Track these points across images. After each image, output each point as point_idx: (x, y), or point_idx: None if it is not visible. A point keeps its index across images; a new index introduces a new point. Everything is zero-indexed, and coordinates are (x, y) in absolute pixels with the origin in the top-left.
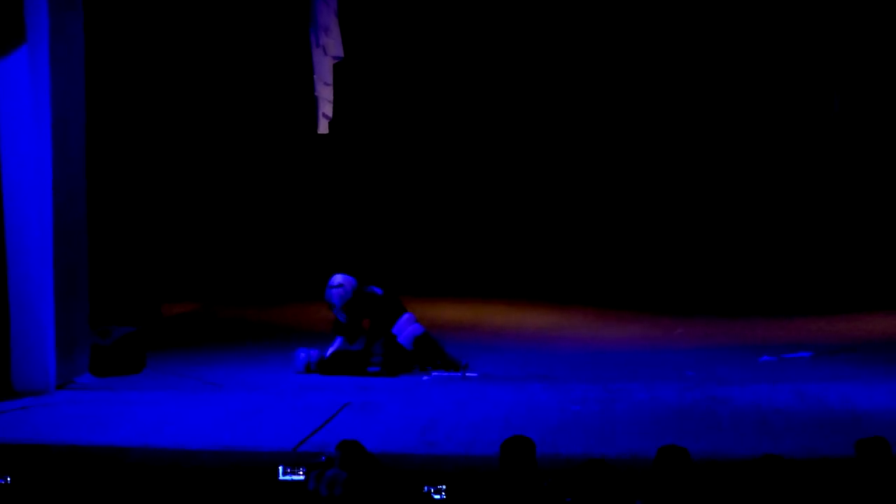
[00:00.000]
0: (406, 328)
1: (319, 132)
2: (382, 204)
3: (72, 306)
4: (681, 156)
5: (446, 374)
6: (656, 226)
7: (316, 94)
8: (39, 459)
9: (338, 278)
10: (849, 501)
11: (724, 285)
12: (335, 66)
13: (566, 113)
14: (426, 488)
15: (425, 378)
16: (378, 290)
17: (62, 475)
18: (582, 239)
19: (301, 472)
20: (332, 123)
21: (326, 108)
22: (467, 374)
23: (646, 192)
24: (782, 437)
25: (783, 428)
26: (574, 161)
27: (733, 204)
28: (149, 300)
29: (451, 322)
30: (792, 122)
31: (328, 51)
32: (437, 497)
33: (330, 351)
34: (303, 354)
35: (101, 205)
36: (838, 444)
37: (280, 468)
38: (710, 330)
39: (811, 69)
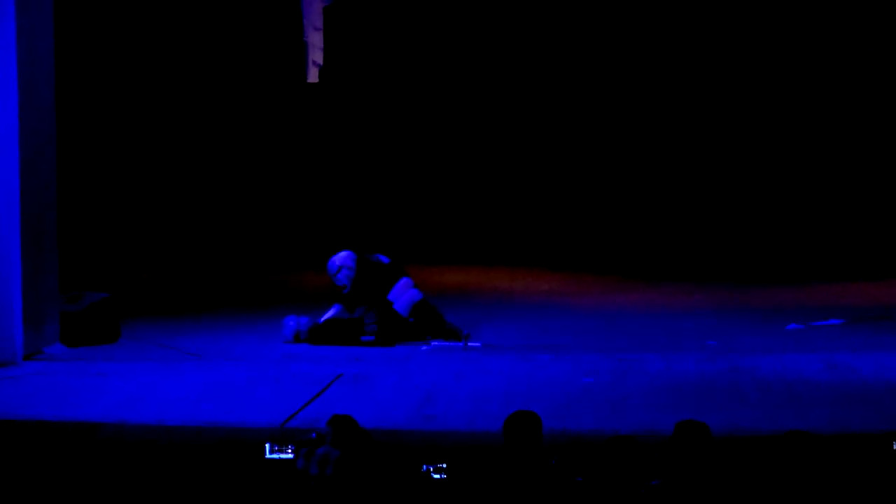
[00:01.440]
0: (403, 294)
1: (309, 81)
2: (384, 168)
3: (40, 269)
4: (696, 118)
5: (446, 343)
6: (672, 190)
7: (305, 39)
8: (5, 435)
9: (336, 261)
10: (882, 480)
11: (743, 251)
12: (326, 13)
13: (579, 75)
14: (425, 467)
15: (424, 348)
16: (384, 259)
17: (30, 452)
18: (592, 202)
19: (289, 450)
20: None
21: (317, 55)
22: (469, 344)
23: (662, 154)
24: (810, 411)
25: (812, 401)
26: (586, 121)
27: (752, 168)
28: (125, 264)
29: (453, 288)
30: (812, 78)
31: None
32: (436, 476)
33: (323, 318)
34: (292, 322)
35: (74, 161)
36: (871, 419)
37: (267, 446)
38: (730, 297)
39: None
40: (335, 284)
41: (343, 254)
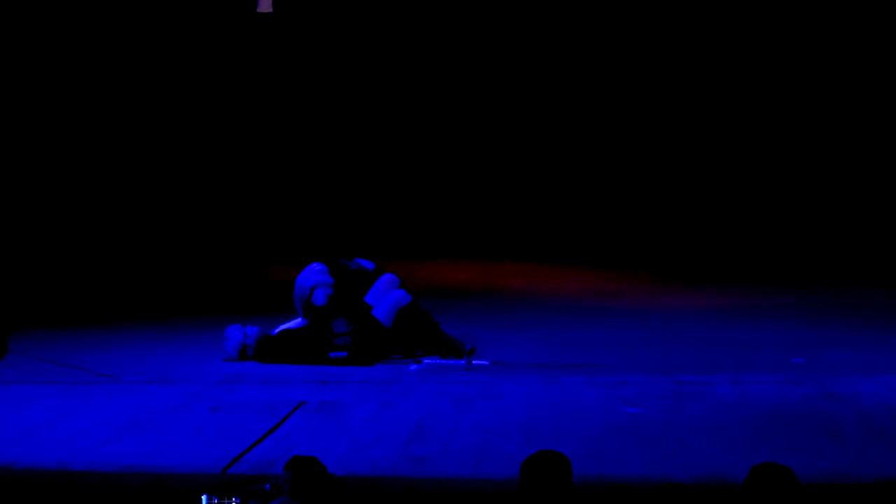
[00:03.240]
0: (385, 296)
1: (260, 10)
2: (373, 152)
3: None
4: (749, 107)
5: (443, 361)
6: (721, 172)
7: None
8: None
9: (307, 281)
10: None
11: (826, 247)
12: None
13: (590, 63)
14: None
15: (413, 367)
16: (368, 264)
17: None
18: (629, 188)
19: None
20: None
21: None
22: (474, 362)
23: (712, 137)
24: None
25: None
26: (620, 104)
27: (832, 157)
28: (11, 263)
29: (454, 288)
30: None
31: None
32: None
33: (279, 329)
34: (237, 333)
35: None
36: None
37: (204, 498)
38: (819, 300)
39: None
40: (311, 307)
41: (314, 268)
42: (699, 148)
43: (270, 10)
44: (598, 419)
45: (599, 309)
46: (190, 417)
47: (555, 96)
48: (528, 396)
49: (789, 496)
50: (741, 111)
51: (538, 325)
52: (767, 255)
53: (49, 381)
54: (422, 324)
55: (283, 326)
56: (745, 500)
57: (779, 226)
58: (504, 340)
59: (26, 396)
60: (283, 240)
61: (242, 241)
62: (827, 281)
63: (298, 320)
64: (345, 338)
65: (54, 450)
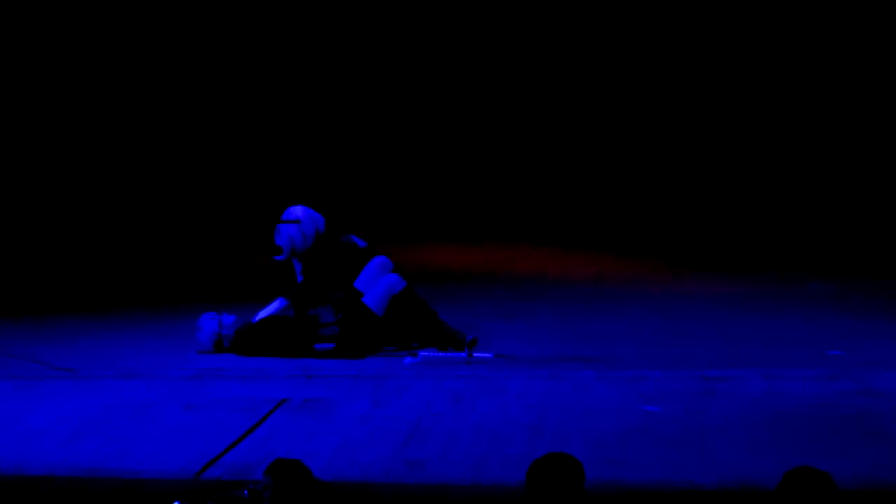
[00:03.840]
0: (377, 281)
1: None
2: (384, 132)
3: None
4: (764, 96)
5: (441, 354)
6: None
7: None
8: None
9: (296, 211)
10: None
11: (867, 236)
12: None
13: (607, 47)
14: None
15: (408, 360)
16: (360, 242)
17: None
18: (648, 167)
19: None
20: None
21: None
22: (476, 355)
23: (736, 120)
24: None
25: None
26: (637, 87)
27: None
28: None
29: (454, 273)
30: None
31: None
32: None
33: (259, 316)
34: (211, 322)
35: None
36: None
37: None
38: (856, 288)
39: None
40: (274, 249)
41: (312, 211)
42: (724, 129)
43: None
44: (613, 419)
45: (614, 297)
46: (159, 416)
47: (572, 78)
48: (535, 393)
49: (826, 502)
50: (766, 93)
51: (547, 313)
52: (797, 241)
53: (1, 376)
54: (418, 312)
55: (262, 313)
56: None
57: (809, 210)
58: (509, 331)
59: None
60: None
61: (238, 225)
62: (861, 269)
63: (276, 303)
64: (332, 328)
65: (7, 453)
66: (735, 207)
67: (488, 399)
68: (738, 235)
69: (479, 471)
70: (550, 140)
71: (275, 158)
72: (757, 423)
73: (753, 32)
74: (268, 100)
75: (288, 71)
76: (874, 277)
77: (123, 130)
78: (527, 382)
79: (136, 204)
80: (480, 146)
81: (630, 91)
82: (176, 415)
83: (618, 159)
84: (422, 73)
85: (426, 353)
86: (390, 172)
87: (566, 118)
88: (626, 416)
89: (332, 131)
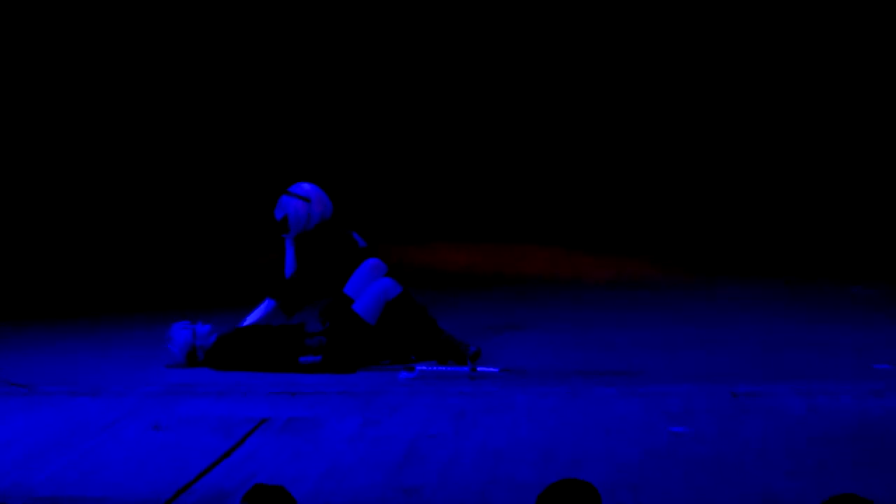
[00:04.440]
0: (369, 285)
1: None
2: (387, 130)
3: None
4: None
5: (441, 367)
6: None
7: None
8: None
9: (306, 187)
10: None
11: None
12: None
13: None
14: None
15: (403, 375)
16: (360, 241)
17: None
18: (668, 165)
19: None
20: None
21: None
22: (479, 369)
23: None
24: None
25: None
26: (649, 89)
27: None
28: None
29: (457, 275)
30: None
31: None
32: None
33: (246, 322)
34: (183, 332)
35: None
36: None
37: None
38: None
39: None
40: (276, 223)
41: (321, 191)
42: (753, 129)
43: None
44: (635, 439)
45: (635, 302)
46: (124, 437)
47: (589, 76)
48: (546, 411)
49: None
50: (796, 95)
51: (559, 321)
52: (833, 245)
53: None
54: (415, 320)
55: (245, 320)
56: None
57: (847, 213)
58: (518, 341)
59: None
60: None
61: (232, 226)
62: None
63: (262, 307)
64: (318, 338)
65: None
66: (764, 209)
67: (494, 417)
68: (769, 238)
69: (483, 498)
70: (562, 137)
71: (276, 156)
72: (794, 443)
73: (770, 34)
74: (269, 99)
75: (290, 70)
76: None
77: (117, 131)
78: (537, 399)
79: (121, 204)
80: (487, 143)
81: (654, 89)
82: (144, 436)
83: (636, 157)
84: (431, 70)
85: (424, 367)
86: (394, 170)
87: (580, 115)
88: (650, 436)
89: (336, 129)
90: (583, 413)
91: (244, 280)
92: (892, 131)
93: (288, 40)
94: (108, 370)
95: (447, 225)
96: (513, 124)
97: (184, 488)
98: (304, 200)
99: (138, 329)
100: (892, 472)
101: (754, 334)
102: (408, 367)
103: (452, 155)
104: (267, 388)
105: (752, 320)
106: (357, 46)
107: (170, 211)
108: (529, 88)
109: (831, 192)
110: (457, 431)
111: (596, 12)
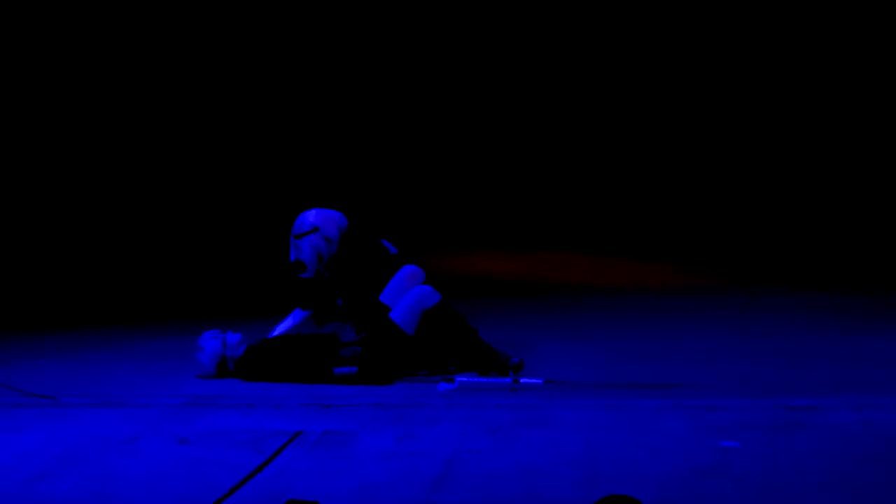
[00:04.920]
0: (407, 294)
1: None
2: (425, 136)
3: None
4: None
5: (481, 379)
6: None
7: None
8: None
9: (309, 217)
10: None
11: None
12: None
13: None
14: None
15: (442, 387)
16: (391, 248)
17: None
18: (714, 174)
19: None
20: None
21: None
22: (521, 380)
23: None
24: None
25: None
26: (684, 98)
27: None
28: None
29: (498, 284)
30: None
31: None
32: None
33: (275, 332)
34: (213, 342)
35: None
36: None
37: None
38: None
39: None
40: (290, 265)
41: (327, 211)
42: (797, 140)
43: None
44: (682, 455)
45: (682, 312)
46: (149, 451)
47: (632, 87)
48: (590, 426)
49: None
50: (835, 106)
51: (603, 332)
52: (886, 252)
53: None
54: (454, 330)
55: (276, 330)
56: None
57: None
58: (561, 351)
59: None
60: None
61: (260, 233)
62: None
63: (292, 318)
64: (353, 348)
65: None
66: (810, 217)
67: (535, 432)
68: (816, 247)
69: None
70: (608, 147)
71: (313, 162)
72: (849, 461)
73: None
74: (307, 104)
75: (334, 77)
76: None
77: (127, 135)
78: (581, 412)
79: (139, 209)
80: (528, 152)
81: (700, 101)
82: (168, 450)
83: (683, 166)
84: (479, 81)
85: (464, 379)
86: (436, 178)
87: (622, 125)
88: (698, 452)
89: (381, 139)
90: (628, 427)
91: (272, 289)
92: None
93: (327, 51)
94: (131, 381)
95: (488, 233)
96: (555, 134)
97: None
98: (313, 232)
99: (162, 339)
100: None
101: (802, 345)
102: (447, 378)
103: (493, 163)
104: (299, 400)
105: (803, 330)
106: (404, 58)
107: (196, 218)
108: (574, 100)
109: (880, 200)
110: (496, 446)
111: (606, 25)
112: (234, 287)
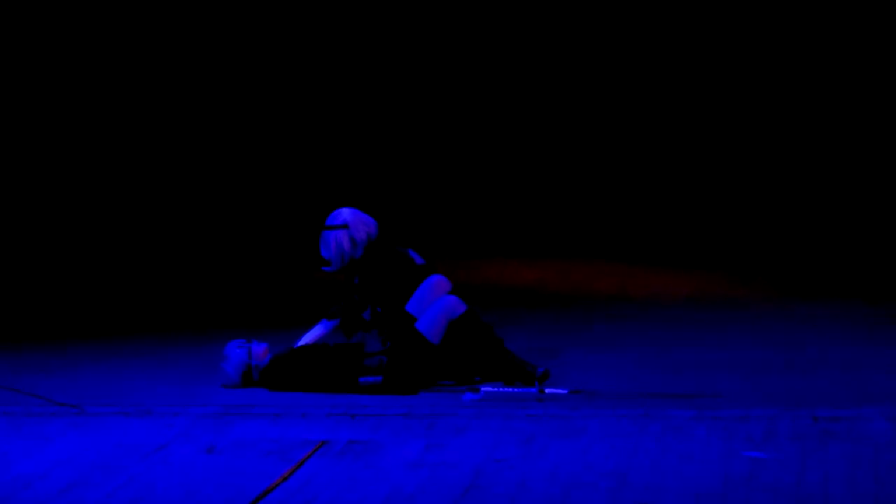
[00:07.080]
0: (433, 304)
1: None
2: (448, 140)
3: None
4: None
5: (508, 389)
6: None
7: None
8: None
9: (343, 213)
10: None
11: None
12: None
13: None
14: None
15: (468, 396)
16: (417, 258)
17: None
18: (749, 178)
19: None
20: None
21: None
22: (548, 390)
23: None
24: None
25: None
26: (715, 106)
27: None
28: None
29: (525, 293)
30: None
31: None
32: None
33: (301, 343)
34: (239, 351)
35: None
36: None
37: None
38: None
39: None
40: (321, 261)
41: (361, 213)
42: (832, 148)
43: None
44: (713, 466)
45: (712, 321)
46: (175, 460)
47: (661, 93)
48: (619, 436)
49: None
50: (878, 115)
51: (632, 340)
52: None
53: None
54: (480, 340)
55: (302, 339)
56: None
57: None
58: (588, 361)
59: None
60: None
61: (288, 240)
62: None
63: (319, 328)
64: (379, 358)
65: None
66: (845, 227)
67: (564, 442)
68: (850, 257)
69: None
70: (641, 152)
71: (341, 170)
72: (882, 472)
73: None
74: (334, 111)
75: (361, 82)
76: None
77: (154, 143)
78: (609, 422)
79: (169, 218)
80: (555, 159)
81: (731, 107)
82: (196, 459)
83: (723, 173)
84: (510, 88)
85: (490, 389)
86: (464, 186)
87: (656, 132)
88: (728, 462)
89: (407, 144)
90: (657, 437)
91: (296, 297)
92: None
93: (356, 61)
94: (158, 390)
95: (515, 240)
96: (589, 143)
97: None
98: (343, 228)
99: (189, 348)
100: None
101: (835, 355)
102: (472, 388)
103: (526, 171)
104: (325, 409)
105: (836, 340)
106: (437, 67)
107: (222, 227)
108: (610, 107)
109: None
110: (524, 456)
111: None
112: (260, 296)
